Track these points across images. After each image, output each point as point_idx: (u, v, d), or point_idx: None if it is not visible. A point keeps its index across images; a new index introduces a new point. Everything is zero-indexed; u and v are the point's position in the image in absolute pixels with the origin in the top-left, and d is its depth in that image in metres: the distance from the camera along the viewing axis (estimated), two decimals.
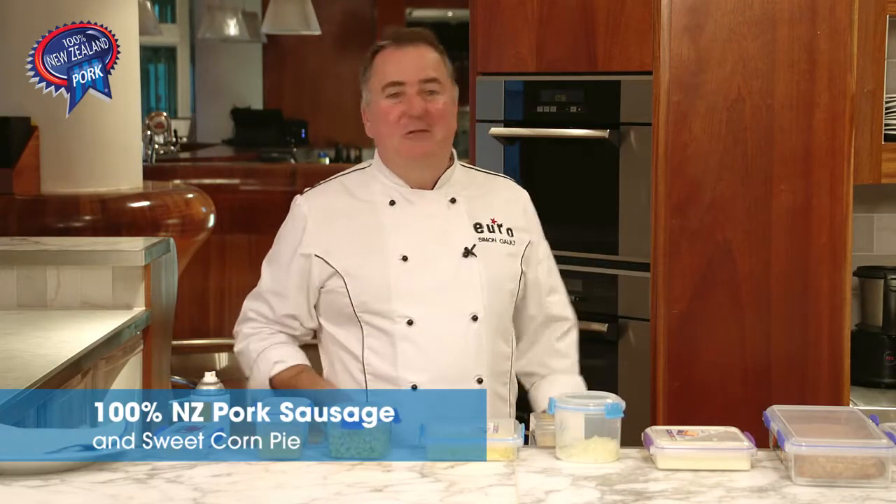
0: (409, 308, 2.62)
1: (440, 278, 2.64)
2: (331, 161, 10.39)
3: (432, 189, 2.70)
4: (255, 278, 2.75)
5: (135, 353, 3.85)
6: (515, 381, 2.78)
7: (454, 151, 2.76)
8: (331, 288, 2.67)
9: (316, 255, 2.67)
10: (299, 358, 2.71)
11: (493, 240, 2.69)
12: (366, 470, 2.16)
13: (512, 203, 2.77)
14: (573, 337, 2.85)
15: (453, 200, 2.70)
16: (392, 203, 2.68)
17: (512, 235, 2.72)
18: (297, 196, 2.74)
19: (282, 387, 2.65)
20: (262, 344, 2.72)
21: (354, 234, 2.67)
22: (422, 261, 2.64)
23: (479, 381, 2.64)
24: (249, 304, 2.78)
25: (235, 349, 2.80)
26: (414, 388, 2.62)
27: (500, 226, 2.72)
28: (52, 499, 2.00)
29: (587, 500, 2.01)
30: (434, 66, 2.65)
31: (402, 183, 2.68)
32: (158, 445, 2.22)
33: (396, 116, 2.62)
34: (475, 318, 2.64)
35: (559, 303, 2.82)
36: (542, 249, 2.80)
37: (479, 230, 2.69)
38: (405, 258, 2.64)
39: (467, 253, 2.66)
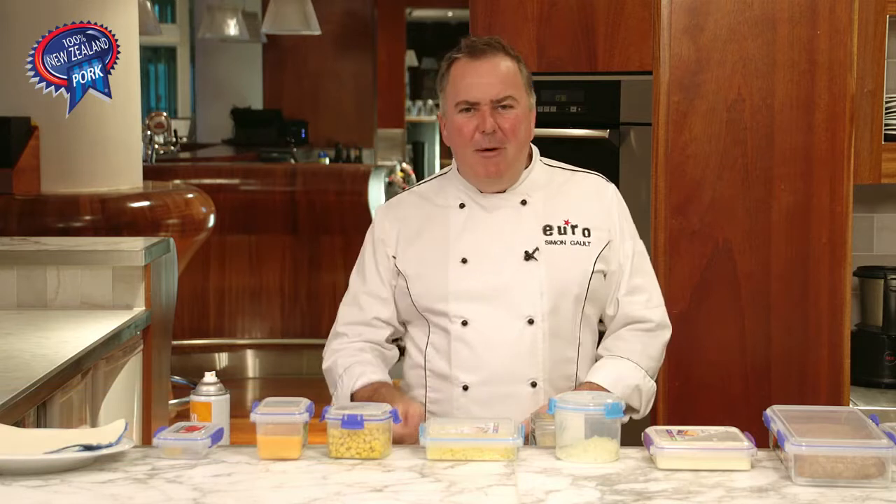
0: (465, 309, 2.64)
1: (498, 281, 2.65)
2: (331, 161, 10.38)
3: (505, 192, 2.71)
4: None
5: (135, 353, 3.85)
6: None
7: (535, 150, 2.77)
8: (398, 287, 2.73)
9: (392, 256, 2.73)
10: (381, 375, 2.71)
11: (562, 242, 2.68)
12: (366, 470, 2.16)
13: (594, 202, 2.74)
14: (654, 338, 2.73)
15: (524, 202, 2.70)
16: (462, 206, 2.71)
17: (588, 236, 2.70)
18: (378, 206, 2.85)
19: (362, 401, 2.64)
20: (349, 360, 2.73)
21: (422, 236, 2.72)
22: (481, 263, 2.66)
23: (533, 384, 2.64)
24: (342, 314, 2.79)
25: (324, 366, 2.80)
26: (465, 388, 2.63)
27: (574, 227, 2.70)
28: (52, 499, 2.00)
29: (587, 500, 2.01)
30: (509, 79, 2.64)
31: (474, 189, 2.71)
32: (158, 445, 2.22)
33: (470, 132, 2.63)
34: (531, 322, 2.64)
35: (641, 303, 2.73)
36: (627, 248, 2.74)
37: (549, 232, 2.68)
38: (465, 260, 2.66)
39: (528, 256, 2.66)
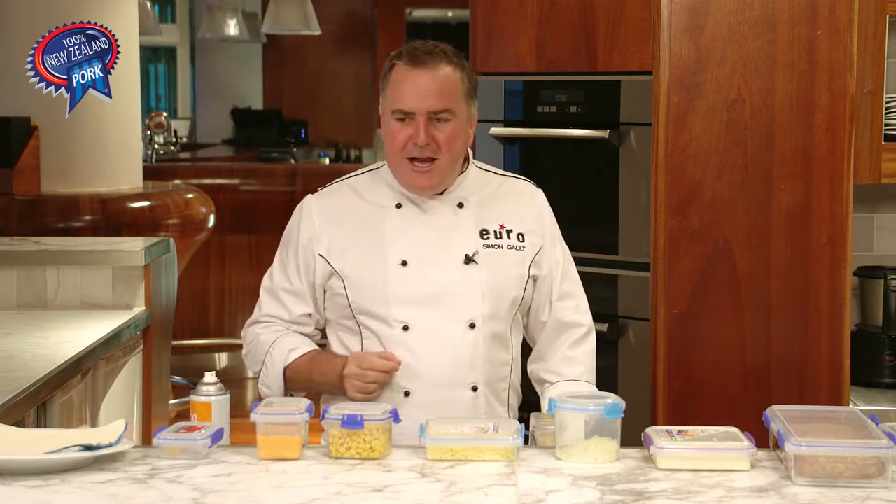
0: (406, 313, 2.61)
1: (439, 284, 2.63)
2: (331, 161, 10.39)
3: (442, 193, 2.69)
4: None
5: (135, 353, 3.85)
6: (518, 387, 2.76)
7: (470, 153, 2.75)
8: (331, 288, 2.68)
9: (320, 255, 2.68)
10: (312, 346, 2.72)
11: (498, 246, 2.67)
12: (366, 470, 2.16)
13: (526, 207, 2.74)
14: (588, 344, 2.77)
15: (461, 205, 2.68)
16: (398, 206, 2.67)
17: (522, 241, 2.70)
18: (308, 196, 2.75)
19: (298, 371, 2.66)
20: (274, 336, 2.72)
21: (357, 236, 2.67)
22: (421, 266, 2.63)
23: (474, 388, 2.64)
24: (264, 307, 2.76)
25: (244, 351, 2.80)
26: (407, 393, 2.62)
27: (509, 231, 2.69)
28: (52, 499, 2.00)
29: (587, 500, 2.01)
30: (447, 90, 2.60)
31: (408, 190, 2.68)
32: (158, 445, 2.22)
33: (402, 141, 2.60)
34: (472, 326, 2.63)
35: (572, 308, 2.76)
36: (557, 254, 2.75)
37: (486, 236, 2.67)
38: (404, 263, 2.63)
39: (468, 260, 2.65)
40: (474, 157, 2.73)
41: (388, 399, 2.61)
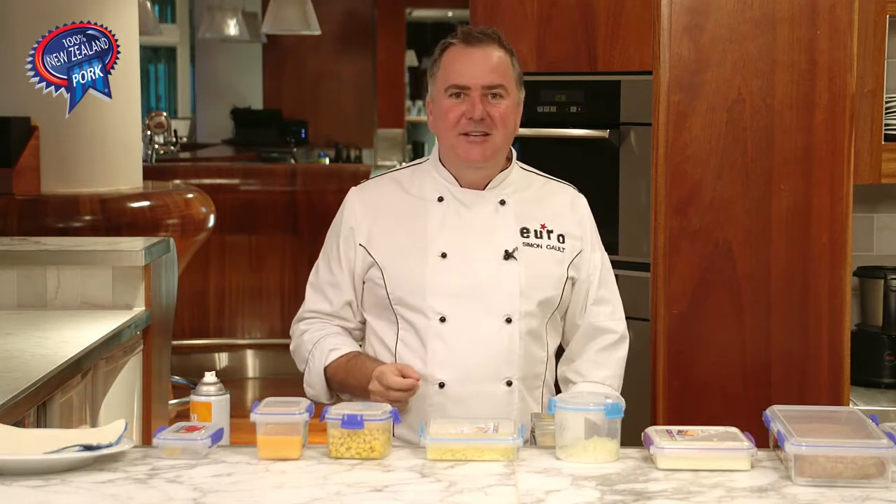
0: (443, 305, 2.63)
1: (477, 278, 2.65)
2: (331, 161, 10.38)
3: (484, 189, 2.71)
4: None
5: (135, 353, 3.85)
6: (553, 388, 2.77)
7: (513, 152, 2.77)
8: (371, 278, 2.71)
9: (360, 245, 2.71)
10: (353, 346, 2.74)
11: (538, 245, 2.69)
12: (366, 470, 2.16)
13: (567, 210, 2.76)
14: (618, 351, 2.78)
15: (503, 202, 2.70)
16: (440, 199, 2.70)
17: (562, 242, 2.71)
18: (351, 188, 2.80)
19: (336, 373, 2.69)
20: (317, 335, 2.75)
21: (398, 227, 2.70)
22: (461, 259, 2.65)
23: (509, 383, 2.65)
24: (308, 302, 2.81)
25: (291, 347, 2.84)
26: (441, 385, 2.63)
27: (549, 232, 2.71)
28: (52, 499, 2.00)
29: (587, 500, 2.01)
30: (501, 69, 2.65)
31: (453, 181, 2.71)
32: (158, 445, 2.22)
33: (456, 116, 2.64)
34: (509, 321, 2.64)
35: (607, 314, 2.77)
36: (596, 259, 2.77)
37: (526, 234, 2.69)
38: (444, 255, 2.66)
39: (508, 256, 2.66)
40: None
41: (423, 391, 2.63)
